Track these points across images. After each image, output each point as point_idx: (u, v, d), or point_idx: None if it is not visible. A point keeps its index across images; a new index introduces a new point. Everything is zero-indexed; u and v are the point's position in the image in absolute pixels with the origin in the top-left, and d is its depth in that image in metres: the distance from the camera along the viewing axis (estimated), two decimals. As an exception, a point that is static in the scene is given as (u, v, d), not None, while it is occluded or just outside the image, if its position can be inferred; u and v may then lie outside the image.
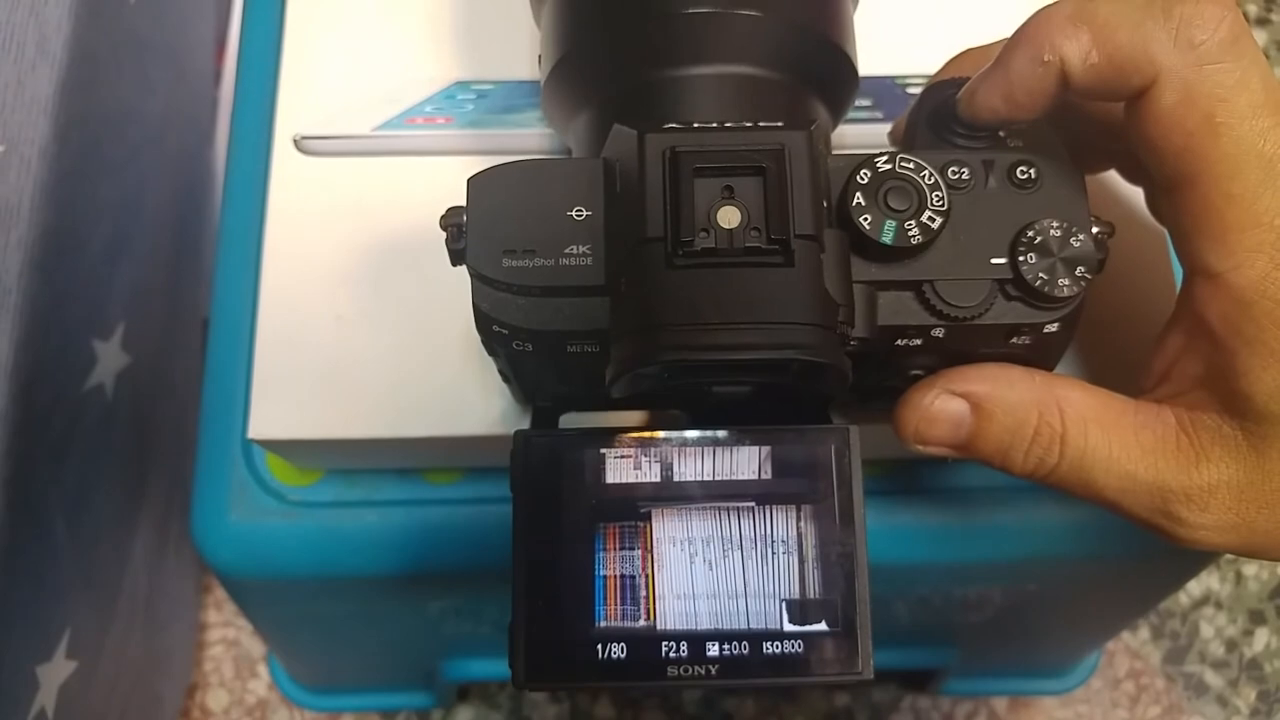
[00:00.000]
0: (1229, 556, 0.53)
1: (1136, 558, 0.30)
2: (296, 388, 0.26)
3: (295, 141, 0.28)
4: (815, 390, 0.20)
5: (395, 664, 0.44)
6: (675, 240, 0.18)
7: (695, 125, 0.19)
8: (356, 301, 0.27)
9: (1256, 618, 0.51)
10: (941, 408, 0.21)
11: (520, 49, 0.30)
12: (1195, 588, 0.52)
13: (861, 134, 0.29)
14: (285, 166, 0.28)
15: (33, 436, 0.34)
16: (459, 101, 0.29)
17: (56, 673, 0.38)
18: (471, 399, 0.26)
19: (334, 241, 0.27)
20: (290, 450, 0.28)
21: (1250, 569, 0.53)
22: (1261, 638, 0.51)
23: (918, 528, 0.29)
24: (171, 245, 0.47)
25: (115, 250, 0.41)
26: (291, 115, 0.28)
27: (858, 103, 0.26)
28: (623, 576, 0.20)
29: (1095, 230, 0.20)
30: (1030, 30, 0.20)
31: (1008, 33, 0.20)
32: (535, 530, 0.20)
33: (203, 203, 0.52)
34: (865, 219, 0.19)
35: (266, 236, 0.27)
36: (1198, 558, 0.32)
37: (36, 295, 0.34)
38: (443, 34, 0.30)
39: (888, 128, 0.26)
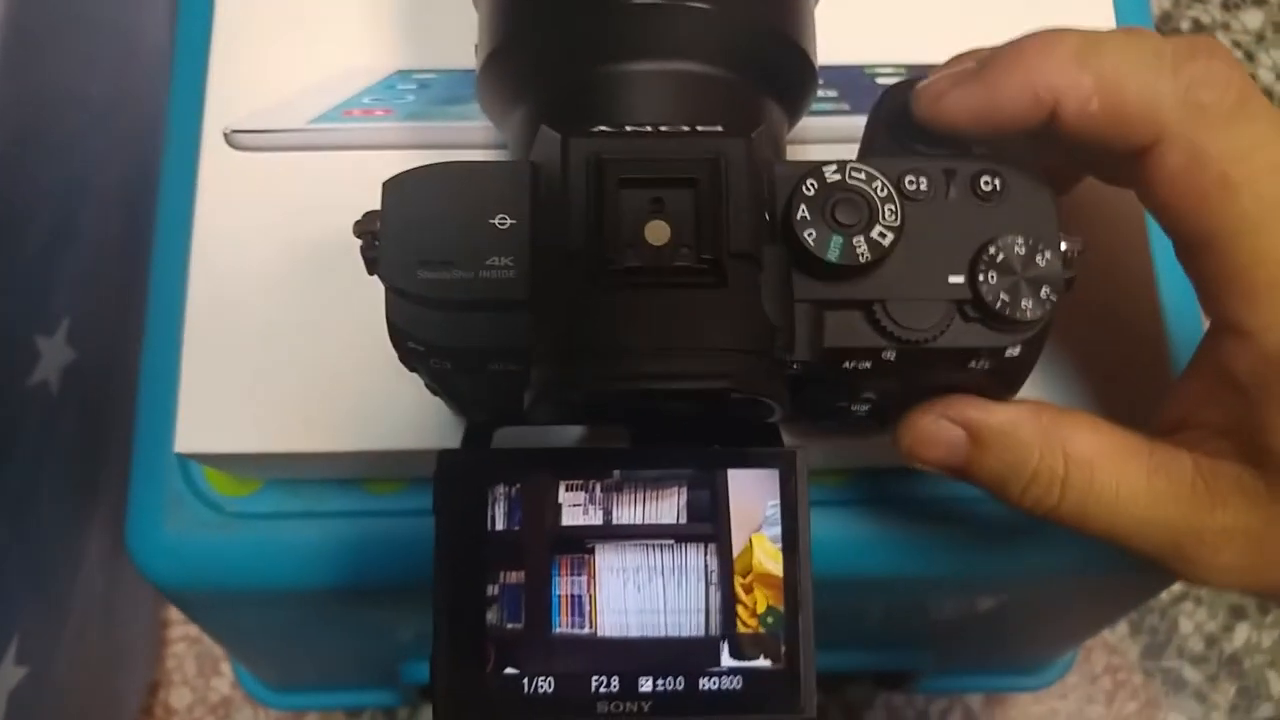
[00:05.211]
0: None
1: (1112, 573, 0.29)
2: (226, 398, 0.25)
3: (225, 135, 0.27)
4: (748, 418, 0.19)
5: (355, 667, 0.43)
6: (598, 257, 0.17)
7: (627, 128, 0.18)
8: (290, 307, 0.25)
9: (1237, 613, 0.50)
10: (937, 431, 0.20)
11: (466, 35, 0.28)
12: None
13: (827, 127, 0.27)
14: (214, 162, 0.27)
15: (-31, 438, 0.33)
16: (399, 92, 0.27)
17: (5, 679, 0.37)
18: (407, 411, 0.24)
19: (266, 242, 0.26)
20: (222, 463, 0.26)
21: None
22: (1242, 633, 0.50)
23: (880, 537, 0.28)
24: (122, 234, 0.45)
25: (58, 240, 0.39)
26: (221, 107, 0.27)
27: (822, 94, 0.24)
28: (573, 596, 0.19)
29: (1064, 247, 0.18)
30: (1028, 59, 0.18)
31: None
32: (457, 558, 0.19)
33: (157, 188, 0.50)
34: (809, 234, 0.17)
35: (194, 237, 0.26)
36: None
37: (-30, 290, 0.33)
38: (382, 20, 0.28)
39: (854, 120, 0.25)
